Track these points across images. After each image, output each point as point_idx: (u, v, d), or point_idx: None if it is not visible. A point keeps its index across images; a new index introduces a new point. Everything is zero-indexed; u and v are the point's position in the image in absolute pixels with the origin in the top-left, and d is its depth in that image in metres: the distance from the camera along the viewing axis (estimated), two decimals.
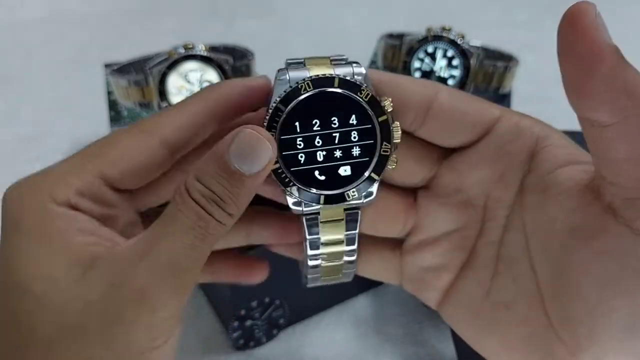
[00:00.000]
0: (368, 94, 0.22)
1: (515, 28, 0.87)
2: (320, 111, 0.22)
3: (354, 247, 0.25)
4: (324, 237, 0.24)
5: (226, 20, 0.92)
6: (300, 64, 0.23)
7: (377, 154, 0.23)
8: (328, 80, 0.22)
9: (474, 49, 0.53)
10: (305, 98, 0.22)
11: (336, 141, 0.22)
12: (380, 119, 0.22)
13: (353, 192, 0.23)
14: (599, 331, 0.21)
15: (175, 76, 0.50)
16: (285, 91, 0.22)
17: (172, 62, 0.50)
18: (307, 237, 0.24)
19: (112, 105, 0.56)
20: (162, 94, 0.50)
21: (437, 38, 0.54)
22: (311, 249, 0.24)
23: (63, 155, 0.23)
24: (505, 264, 0.24)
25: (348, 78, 0.22)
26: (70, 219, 0.22)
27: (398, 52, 0.56)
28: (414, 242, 0.26)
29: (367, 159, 0.23)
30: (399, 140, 0.23)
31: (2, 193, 0.23)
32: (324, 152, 0.22)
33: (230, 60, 0.51)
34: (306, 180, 0.22)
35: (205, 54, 0.50)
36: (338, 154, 0.22)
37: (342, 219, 0.24)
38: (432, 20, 0.63)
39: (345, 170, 0.22)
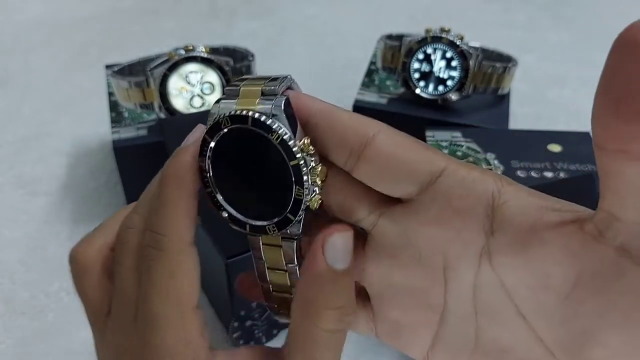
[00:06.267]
0: (279, 137, 0.21)
1: (514, 29, 0.87)
2: (240, 147, 0.22)
3: (295, 269, 0.24)
4: (267, 260, 0.24)
5: (226, 21, 0.92)
6: (236, 87, 0.22)
7: (292, 197, 0.22)
8: (242, 119, 0.21)
9: (472, 50, 0.53)
10: (225, 133, 0.22)
11: (257, 180, 0.22)
12: (291, 164, 0.21)
13: (273, 227, 0.22)
14: None
15: (176, 78, 0.50)
16: (209, 123, 0.22)
17: (173, 63, 0.50)
18: (253, 254, 0.24)
19: (113, 106, 0.56)
20: (163, 95, 0.50)
21: (436, 39, 0.54)
22: (257, 269, 0.24)
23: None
24: (486, 317, 0.21)
25: (262, 118, 0.21)
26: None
27: (397, 53, 0.56)
28: (377, 293, 0.23)
29: (284, 200, 0.22)
30: (319, 183, 0.22)
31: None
32: (248, 188, 0.22)
33: (231, 62, 0.52)
34: (235, 207, 0.23)
35: (205, 55, 0.51)
36: (258, 192, 0.22)
37: (280, 246, 0.23)
38: (431, 21, 0.63)
39: (267, 206, 0.22)
